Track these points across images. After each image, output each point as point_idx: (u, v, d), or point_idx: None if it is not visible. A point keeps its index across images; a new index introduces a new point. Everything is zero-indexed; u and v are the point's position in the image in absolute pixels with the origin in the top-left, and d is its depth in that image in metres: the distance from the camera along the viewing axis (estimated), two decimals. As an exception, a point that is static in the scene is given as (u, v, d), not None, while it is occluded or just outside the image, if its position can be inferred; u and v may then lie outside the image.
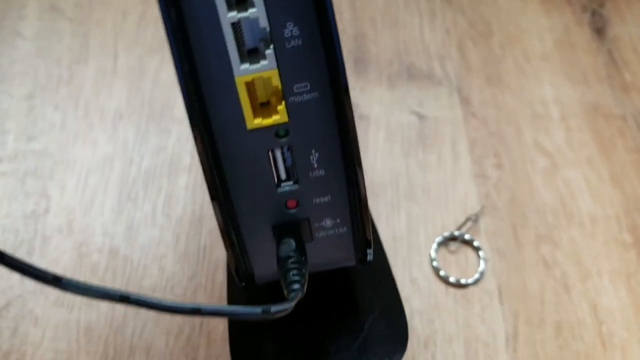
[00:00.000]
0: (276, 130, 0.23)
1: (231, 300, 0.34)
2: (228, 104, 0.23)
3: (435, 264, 0.40)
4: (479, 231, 0.42)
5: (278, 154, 0.24)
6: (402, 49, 0.50)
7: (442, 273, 0.40)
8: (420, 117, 0.47)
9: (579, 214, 0.43)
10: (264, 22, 0.21)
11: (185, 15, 0.21)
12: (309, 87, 0.23)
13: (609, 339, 0.38)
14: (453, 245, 0.41)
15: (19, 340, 0.36)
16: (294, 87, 0.23)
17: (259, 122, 0.23)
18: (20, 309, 0.37)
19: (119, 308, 0.37)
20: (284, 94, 0.23)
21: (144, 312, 0.37)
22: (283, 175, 0.25)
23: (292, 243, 0.25)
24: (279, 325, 0.32)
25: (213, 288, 0.38)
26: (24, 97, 0.45)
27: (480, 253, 0.41)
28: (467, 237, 0.41)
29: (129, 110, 0.45)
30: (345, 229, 0.27)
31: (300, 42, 0.22)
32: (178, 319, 0.37)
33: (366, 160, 0.44)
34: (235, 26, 0.21)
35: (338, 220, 0.26)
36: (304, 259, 0.25)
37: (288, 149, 0.24)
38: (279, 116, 0.23)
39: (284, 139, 0.24)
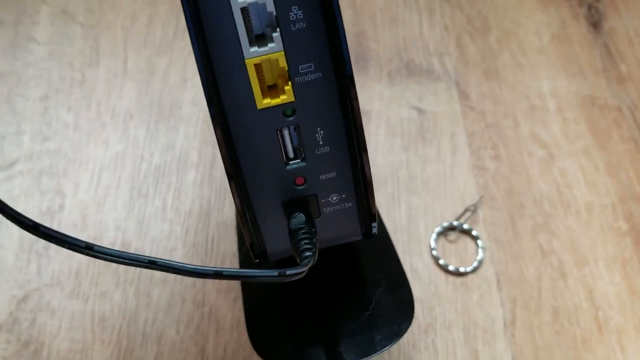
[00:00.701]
0: (284, 110, 0.25)
1: (244, 286, 0.36)
2: (239, 86, 0.24)
3: (434, 253, 0.42)
4: (478, 221, 0.43)
5: (286, 133, 0.26)
6: (401, 46, 0.51)
7: (441, 262, 0.41)
8: (420, 111, 0.48)
9: (575, 202, 0.44)
10: (270, 7, 0.23)
11: (199, 3, 0.23)
12: (313, 68, 0.24)
13: (605, 324, 0.40)
14: (452, 235, 0.43)
15: (37, 330, 0.38)
16: (299, 67, 0.24)
17: (267, 102, 0.25)
18: (37, 301, 0.38)
19: (131, 299, 0.39)
20: (290, 74, 0.24)
21: (155, 303, 0.39)
22: (291, 154, 0.26)
23: (302, 216, 0.27)
24: (291, 302, 0.33)
25: (221, 279, 0.40)
26: (38, 99, 0.46)
27: (479, 242, 0.42)
28: (465, 226, 0.43)
29: (139, 109, 0.46)
30: (350, 204, 0.28)
31: (304, 25, 0.23)
32: (188, 309, 0.39)
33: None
34: (245, 11, 0.23)
35: (344, 196, 0.28)
36: (313, 230, 0.26)
37: (295, 128, 0.26)
38: (286, 96, 0.25)
39: (291, 118, 0.25)
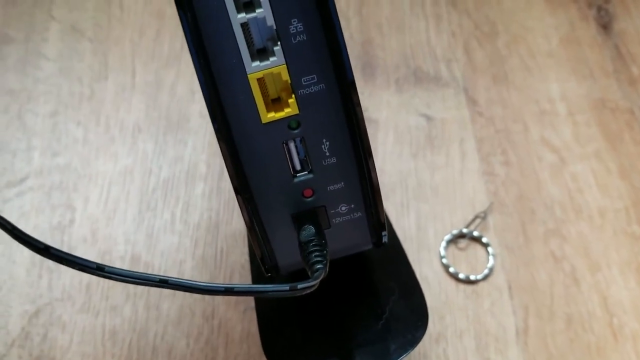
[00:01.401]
0: (288, 123, 0.25)
1: (257, 298, 0.36)
2: (243, 101, 0.24)
3: (444, 261, 0.41)
4: (488, 228, 0.43)
5: (292, 145, 0.26)
6: (409, 53, 0.51)
7: (451, 270, 0.41)
8: (428, 118, 0.48)
9: (587, 207, 0.44)
10: (270, 21, 0.23)
11: (199, 18, 0.23)
12: (316, 79, 0.24)
13: (620, 330, 0.39)
14: (462, 243, 0.42)
15: (48, 345, 0.38)
16: (302, 80, 0.24)
17: (272, 116, 0.25)
18: (49, 316, 0.39)
19: (141, 312, 0.39)
20: (294, 87, 0.24)
21: (164, 316, 0.39)
22: (298, 166, 0.26)
23: (312, 228, 0.27)
24: (304, 313, 0.33)
25: (230, 290, 0.40)
26: (48, 114, 0.47)
27: (489, 249, 0.42)
28: (475, 234, 0.42)
29: (147, 123, 0.47)
30: (359, 213, 0.28)
31: (305, 37, 0.24)
32: (197, 321, 0.39)
33: (375, 163, 0.45)
34: (245, 26, 0.23)
35: (352, 206, 0.28)
36: (324, 242, 0.26)
37: (300, 141, 0.26)
38: (290, 109, 0.25)
39: (297, 131, 0.25)
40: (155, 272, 0.40)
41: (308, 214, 0.27)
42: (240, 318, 0.39)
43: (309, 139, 0.26)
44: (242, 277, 0.41)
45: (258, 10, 0.23)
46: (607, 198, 0.44)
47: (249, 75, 0.24)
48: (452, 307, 0.40)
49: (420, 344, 0.39)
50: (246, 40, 0.23)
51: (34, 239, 0.22)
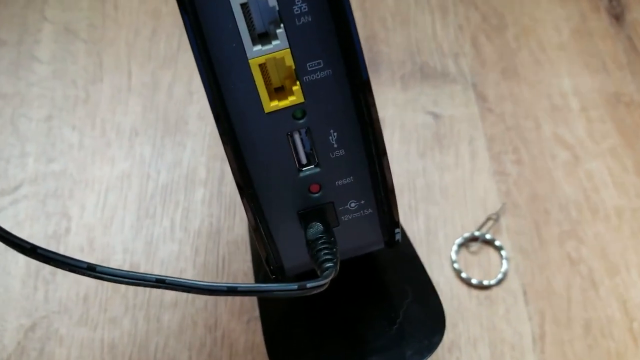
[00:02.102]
0: (293, 112, 0.24)
1: (262, 305, 0.34)
2: (244, 89, 0.23)
3: (456, 266, 0.40)
4: (501, 230, 0.41)
5: (297, 137, 0.24)
6: (414, 48, 0.49)
7: (463, 275, 0.39)
8: (436, 116, 0.46)
9: (604, 207, 0.42)
10: (272, 1, 0.22)
11: (197, 1, 0.21)
12: (322, 65, 0.23)
13: (641, 335, 0.37)
14: (474, 246, 0.41)
15: (46, 360, 0.36)
16: (307, 65, 0.23)
17: (275, 104, 0.23)
18: (45, 330, 0.37)
19: (141, 324, 0.37)
20: (298, 73, 0.23)
21: (165, 328, 0.37)
22: (304, 160, 0.25)
23: (320, 225, 0.25)
24: (312, 318, 0.32)
25: (234, 300, 0.38)
26: (42, 119, 0.45)
27: (503, 253, 0.40)
28: (488, 236, 0.41)
29: (144, 125, 0.45)
30: (370, 210, 0.26)
31: (310, 19, 0.22)
32: (200, 333, 0.37)
33: (382, 164, 0.44)
34: (245, 7, 0.22)
35: (362, 202, 0.26)
36: (333, 239, 0.25)
37: (306, 132, 0.24)
38: (295, 97, 0.23)
39: (302, 121, 0.24)
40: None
41: (315, 211, 0.26)
42: (244, 329, 0.37)
43: (315, 130, 0.24)
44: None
45: None
46: (624, 197, 0.42)
47: (250, 61, 0.22)
48: (465, 314, 0.38)
49: (433, 354, 0.37)
50: (246, 23, 0.22)
51: (19, 239, 0.20)
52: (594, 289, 0.39)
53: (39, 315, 0.38)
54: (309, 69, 0.23)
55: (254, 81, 0.23)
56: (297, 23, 0.22)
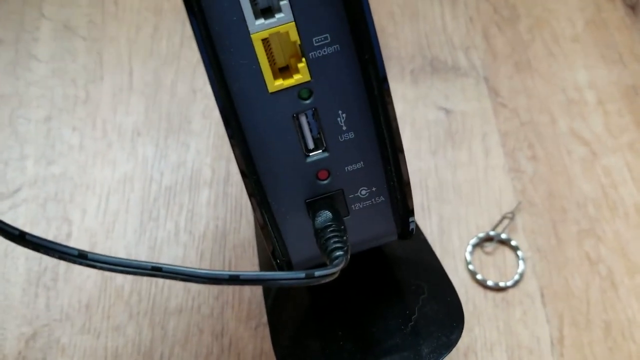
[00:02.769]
0: (299, 92, 0.22)
1: (269, 306, 0.33)
2: (247, 67, 0.21)
3: (471, 267, 0.38)
4: (517, 229, 0.40)
5: (303, 120, 0.23)
6: (424, 42, 0.48)
7: (479, 277, 0.38)
8: (447, 112, 0.45)
9: (623, 204, 0.40)
10: None
11: None
12: (329, 39, 0.21)
13: (664, 337, 0.36)
14: (489, 246, 0.39)
15: (48, 370, 0.35)
16: (314, 40, 0.21)
17: (280, 83, 0.22)
18: (47, 339, 0.36)
19: (146, 332, 0.36)
20: (304, 49, 0.21)
21: (171, 335, 0.36)
22: (311, 144, 0.23)
23: (329, 213, 0.24)
24: (323, 318, 0.30)
25: (241, 305, 0.37)
26: (41, 120, 0.44)
27: (519, 253, 0.39)
28: (503, 236, 0.39)
29: (147, 125, 0.44)
30: (382, 197, 0.25)
31: None
32: (206, 340, 0.36)
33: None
34: None
35: (374, 189, 0.25)
36: (343, 227, 0.23)
37: (313, 114, 0.23)
38: (300, 75, 0.22)
39: (308, 101, 0.22)
40: (159, 287, 0.37)
41: (324, 199, 0.24)
42: (252, 335, 0.36)
43: (322, 111, 0.23)
44: (251, 288, 0.38)
45: None
46: (644, 193, 0.41)
47: (252, 36, 0.21)
48: (481, 318, 0.37)
49: (448, 357, 0.36)
50: None
51: (7, 224, 0.19)
52: (614, 289, 0.37)
53: (40, 323, 0.37)
54: (315, 45, 0.21)
55: (257, 58, 0.21)
56: None
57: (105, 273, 0.38)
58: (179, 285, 0.37)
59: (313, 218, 0.24)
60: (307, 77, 0.22)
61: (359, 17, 0.21)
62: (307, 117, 0.23)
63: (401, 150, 0.23)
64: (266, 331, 0.36)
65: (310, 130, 0.23)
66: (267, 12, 0.21)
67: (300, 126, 0.23)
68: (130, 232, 0.39)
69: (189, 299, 0.37)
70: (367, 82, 0.22)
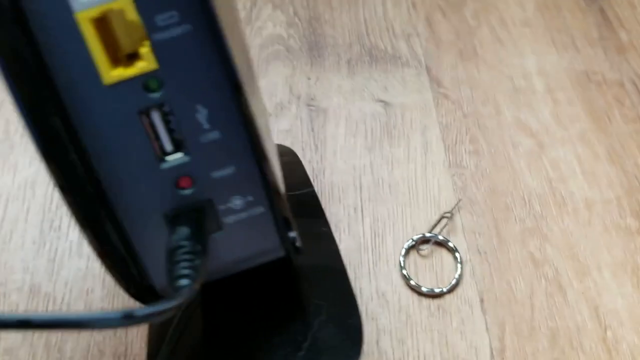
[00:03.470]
0: (145, 83, 0.18)
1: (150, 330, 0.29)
2: (74, 54, 0.18)
3: (405, 272, 0.35)
4: (456, 230, 0.36)
5: (156, 117, 0.19)
6: (362, 30, 0.45)
7: (413, 283, 0.34)
8: (386, 104, 0.41)
9: (572, 199, 0.37)
10: None
11: None
12: (177, 18, 0.18)
13: (615, 346, 0.33)
14: (425, 249, 0.36)
15: None
16: (157, 19, 0.18)
17: (119, 73, 0.18)
18: None
19: (40, 355, 0.33)
20: (147, 30, 0.18)
21: (68, 358, 0.32)
22: (168, 147, 0.20)
23: (185, 230, 0.20)
24: (209, 345, 0.27)
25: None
26: (-55, 122, 0.41)
27: (457, 255, 0.35)
28: (441, 237, 0.36)
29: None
30: (261, 208, 0.22)
31: None
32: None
33: (324, 160, 0.39)
34: None
35: (250, 199, 0.21)
36: (200, 248, 0.20)
37: (168, 108, 0.19)
38: (144, 62, 0.18)
39: (158, 94, 0.19)
40: (57, 306, 0.34)
41: (187, 213, 0.20)
42: (160, 355, 0.32)
43: (177, 106, 0.19)
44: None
45: None
46: (594, 187, 0.37)
47: (77, 15, 0.17)
48: (415, 328, 0.33)
49: (377, 376, 0.32)
50: None
51: None
52: (561, 294, 0.34)
53: None
54: (160, 25, 0.18)
55: (86, 43, 0.17)
56: None
57: None
58: (79, 302, 0.34)
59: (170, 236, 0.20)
60: (154, 65, 0.18)
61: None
62: (161, 114, 0.19)
63: (266, 159, 0.20)
64: (176, 349, 0.32)
65: (168, 129, 0.19)
66: None
67: (152, 124, 0.19)
68: (29, 244, 0.36)
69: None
70: (229, 70, 0.18)
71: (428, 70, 0.43)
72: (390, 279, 0.35)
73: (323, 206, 0.36)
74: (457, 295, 0.34)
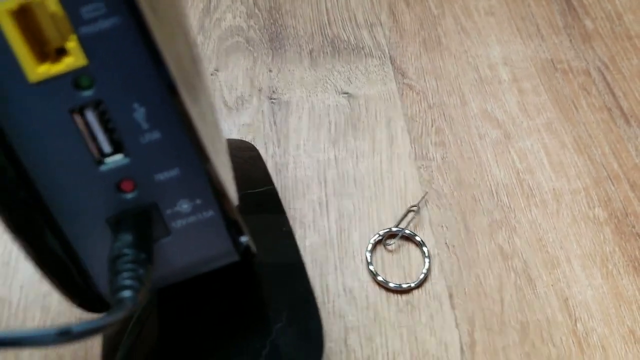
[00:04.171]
0: (75, 80, 0.17)
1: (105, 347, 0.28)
2: None
3: (372, 268, 0.34)
4: (423, 224, 0.35)
5: (91, 116, 0.18)
6: (324, 20, 0.43)
7: (380, 278, 0.34)
8: (349, 96, 0.40)
9: (540, 190, 0.36)
10: None
11: None
12: (104, 10, 0.16)
13: (586, 338, 0.32)
14: (392, 244, 0.35)
15: None
16: (82, 10, 0.16)
17: (45, 70, 0.17)
18: None
19: (-11, 364, 0.31)
20: (72, 23, 0.16)
21: (20, 366, 0.31)
22: (106, 148, 0.18)
23: (128, 237, 0.19)
24: (164, 345, 0.25)
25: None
26: None
27: (425, 249, 0.34)
28: (408, 232, 0.35)
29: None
30: (211, 211, 0.21)
31: None
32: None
33: (287, 154, 0.38)
34: None
35: (198, 202, 0.20)
36: (144, 256, 0.19)
37: (104, 107, 0.18)
38: (72, 58, 0.17)
39: (90, 92, 0.17)
40: (13, 311, 0.32)
41: (131, 218, 0.19)
42: (117, 361, 0.31)
43: (111, 104, 0.18)
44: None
45: None
46: (562, 178, 0.37)
47: None
48: (383, 325, 0.33)
49: (345, 375, 0.31)
50: None
51: None
52: (531, 287, 0.34)
53: None
54: (85, 17, 0.16)
55: (7, 37, 0.16)
56: None
57: (-56, 297, 0.32)
58: (35, 305, 0.32)
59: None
60: (82, 61, 0.17)
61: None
62: (97, 113, 0.18)
63: (207, 160, 0.18)
64: None
65: (105, 130, 0.18)
66: None
67: (87, 124, 0.18)
68: (-24, 248, 0.34)
69: (47, 320, 0.32)
70: (160, 66, 0.17)
71: (392, 60, 0.42)
72: (357, 275, 0.34)
73: (287, 201, 0.35)
74: (426, 290, 0.34)
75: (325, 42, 0.42)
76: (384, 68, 0.41)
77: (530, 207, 0.36)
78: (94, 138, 0.18)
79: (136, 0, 0.16)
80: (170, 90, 0.17)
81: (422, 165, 0.37)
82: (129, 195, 0.19)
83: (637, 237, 0.35)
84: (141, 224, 0.19)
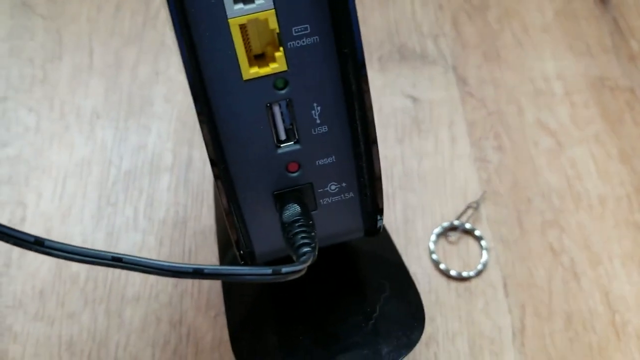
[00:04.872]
0: (274, 82, 0.22)
1: (227, 298, 0.32)
2: (222, 52, 0.21)
3: (434, 257, 0.38)
4: (481, 219, 0.39)
5: (277, 110, 0.22)
6: (392, 29, 0.47)
7: (442, 266, 0.38)
8: (414, 100, 0.44)
9: (587, 195, 0.40)
10: None
11: None
12: (309, 30, 0.21)
13: (623, 328, 0.36)
14: (453, 236, 0.39)
15: (-1, 358, 0.34)
16: (293, 30, 0.21)
17: (255, 71, 0.21)
18: (-2, 326, 0.35)
19: (101, 320, 0.35)
20: (282, 38, 0.21)
21: (127, 324, 0.35)
22: (282, 135, 0.23)
23: (297, 207, 0.23)
24: (282, 313, 0.30)
25: (200, 294, 0.36)
26: (-3, 100, 0.43)
27: (483, 243, 0.38)
28: (467, 226, 0.39)
29: (107, 108, 0.42)
30: (351, 194, 0.25)
31: None
32: (164, 329, 0.35)
33: (358, 149, 0.42)
34: None
35: (344, 185, 0.25)
36: (311, 222, 0.23)
37: (287, 105, 0.23)
38: (277, 64, 0.21)
39: (283, 91, 0.22)
40: (116, 275, 0.36)
41: (292, 193, 0.24)
42: (211, 324, 0.35)
43: (297, 103, 0.22)
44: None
45: None
46: (607, 185, 0.41)
47: (229, 20, 0.20)
48: (444, 308, 0.37)
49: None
50: None
51: None
52: (576, 281, 0.38)
53: (-9, 310, 0.35)
54: (294, 34, 0.21)
55: (233, 44, 0.21)
56: None
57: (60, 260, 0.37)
58: (136, 272, 0.36)
59: (280, 211, 0.23)
60: (284, 67, 0.21)
61: (342, 8, 0.20)
62: (280, 108, 0.23)
63: (375, 142, 0.23)
64: (225, 320, 0.35)
65: (283, 121, 0.23)
66: None
67: (273, 116, 0.23)
68: (87, 218, 0.38)
69: (146, 286, 0.36)
70: (345, 75, 0.22)
71: (454, 69, 0.45)
72: (420, 262, 0.38)
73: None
74: (483, 279, 0.38)
75: (393, 49, 0.46)
76: (446, 76, 0.45)
77: (578, 210, 0.40)
78: (276, 127, 0.23)
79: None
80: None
81: (481, 166, 0.41)
82: (293, 175, 0.24)
83: (674, 242, 0.39)
84: (300, 197, 0.24)
